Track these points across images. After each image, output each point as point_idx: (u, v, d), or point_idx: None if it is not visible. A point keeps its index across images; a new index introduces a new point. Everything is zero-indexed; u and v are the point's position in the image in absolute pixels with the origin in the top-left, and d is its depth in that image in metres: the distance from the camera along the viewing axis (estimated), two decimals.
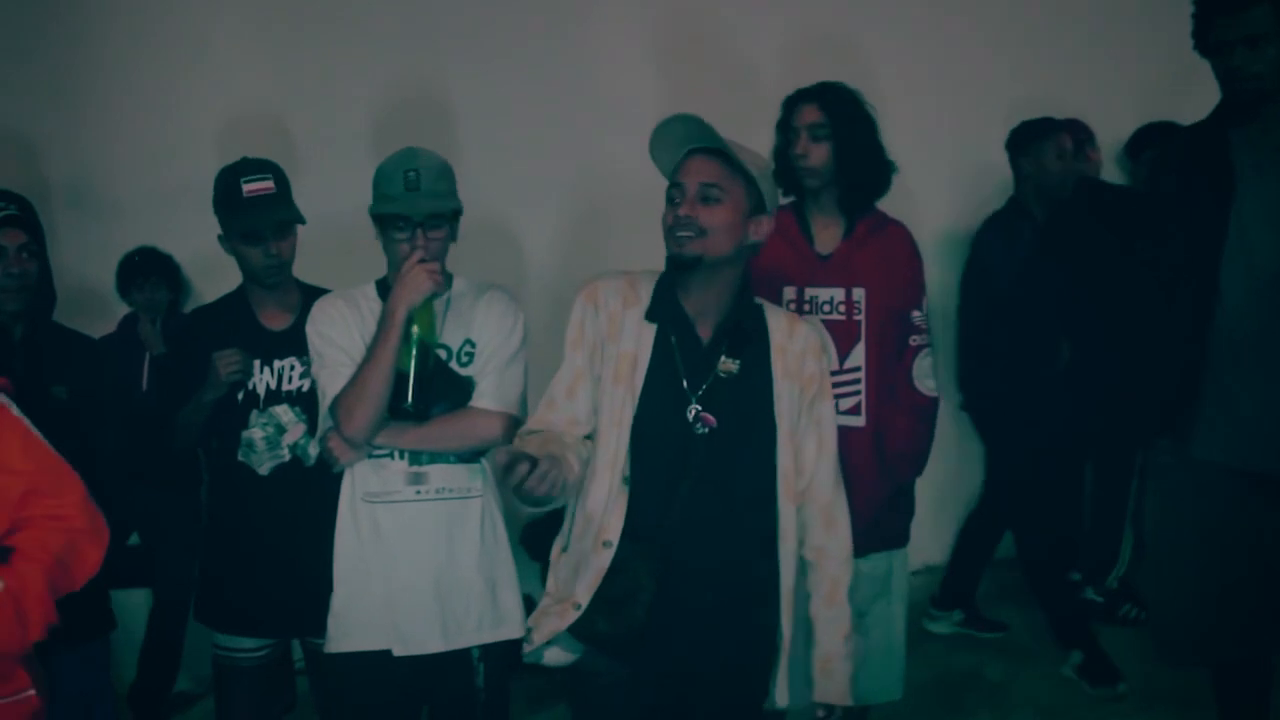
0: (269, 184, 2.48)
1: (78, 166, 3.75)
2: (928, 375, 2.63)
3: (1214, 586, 2.37)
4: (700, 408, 1.95)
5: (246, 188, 2.47)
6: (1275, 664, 2.58)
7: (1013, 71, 4.68)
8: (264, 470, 2.49)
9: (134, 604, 3.59)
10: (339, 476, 2.33)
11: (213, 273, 3.80)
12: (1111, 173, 4.69)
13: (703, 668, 1.97)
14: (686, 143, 1.98)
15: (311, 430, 2.46)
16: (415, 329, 2.11)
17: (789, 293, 2.61)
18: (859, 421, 2.56)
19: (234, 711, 2.65)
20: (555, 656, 2.04)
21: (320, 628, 2.38)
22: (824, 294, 2.59)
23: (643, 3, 4.41)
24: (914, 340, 2.60)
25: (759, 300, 2.09)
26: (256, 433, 2.49)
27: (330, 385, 2.21)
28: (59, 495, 1.87)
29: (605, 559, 1.93)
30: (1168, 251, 2.49)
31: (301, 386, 2.50)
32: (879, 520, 2.60)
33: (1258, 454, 2.31)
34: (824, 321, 2.55)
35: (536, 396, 2.15)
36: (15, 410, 1.89)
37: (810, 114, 2.57)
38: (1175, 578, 2.54)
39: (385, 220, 2.25)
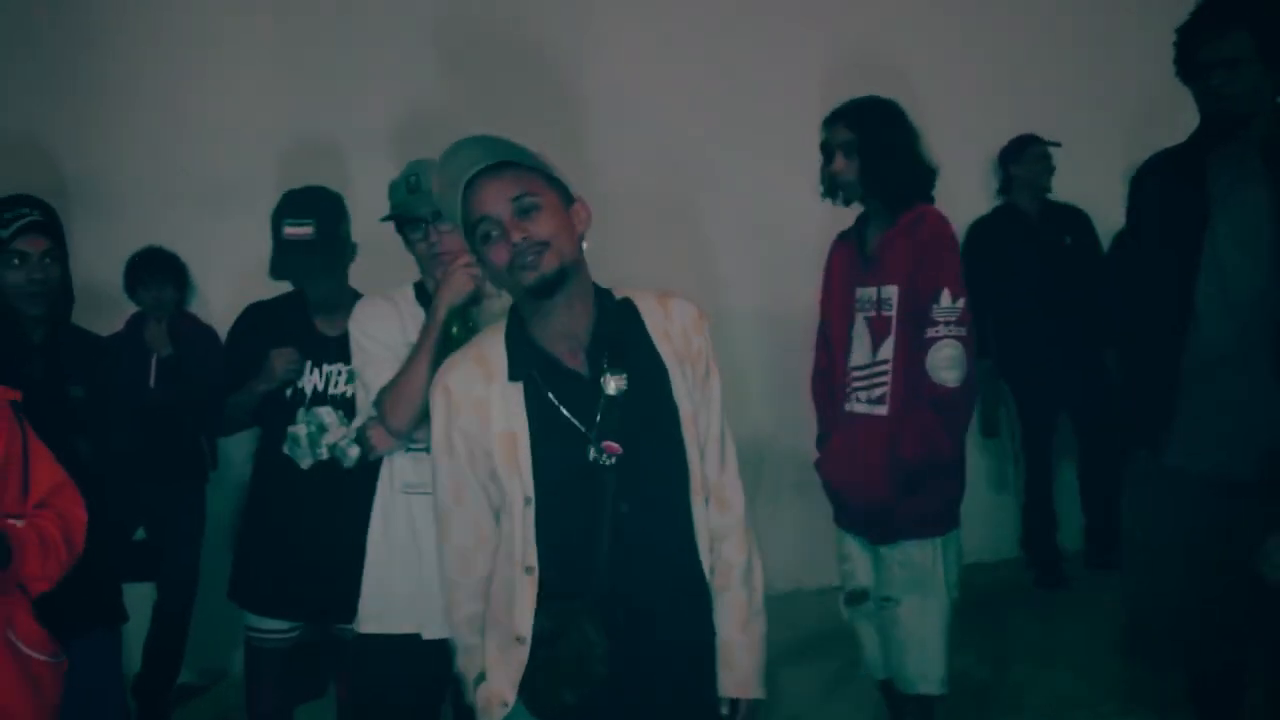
0: (307, 229, 2.60)
1: (88, 167, 3.81)
2: (945, 367, 2.67)
3: (1189, 591, 2.44)
4: (597, 446, 1.76)
5: (287, 230, 2.61)
6: (1250, 667, 2.66)
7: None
8: (305, 465, 2.64)
9: (139, 598, 3.66)
10: (374, 477, 2.45)
11: (218, 273, 3.91)
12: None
13: (678, 697, 1.86)
14: (463, 174, 1.75)
15: (354, 436, 2.59)
16: (455, 329, 2.19)
17: (845, 294, 2.87)
18: (882, 411, 2.74)
19: (262, 690, 2.78)
20: None
21: (346, 616, 2.51)
22: (864, 293, 2.81)
23: (660, 13, 4.50)
24: (930, 332, 2.68)
25: (621, 294, 1.90)
26: (301, 429, 2.64)
27: (374, 378, 2.30)
28: (72, 500, 2.12)
29: (523, 654, 1.79)
30: (1145, 272, 2.58)
31: (346, 392, 2.64)
32: (901, 508, 2.71)
33: (1227, 462, 2.38)
34: (866, 319, 2.79)
35: None
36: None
37: (840, 132, 2.80)
38: (1151, 581, 2.61)
39: (400, 225, 2.40)
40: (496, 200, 1.73)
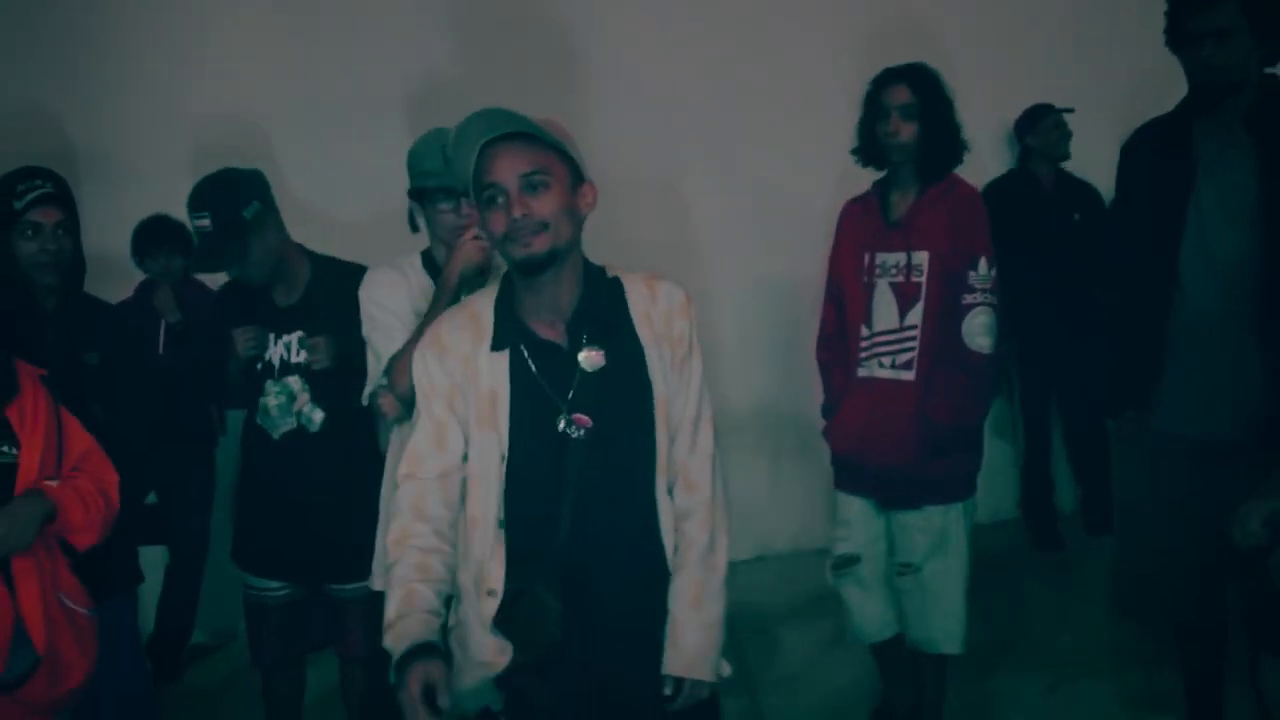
0: (205, 222, 2.57)
1: (97, 137, 3.84)
2: (980, 334, 2.75)
3: (1174, 552, 2.50)
4: (567, 417, 1.82)
5: (196, 224, 2.60)
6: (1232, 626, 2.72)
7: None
8: (276, 435, 2.70)
9: (151, 561, 3.73)
10: (344, 438, 2.64)
11: None
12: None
13: (628, 669, 1.87)
14: (481, 137, 1.77)
15: (314, 399, 2.68)
16: (464, 298, 2.25)
17: (865, 259, 2.84)
18: (909, 375, 2.77)
19: (263, 644, 2.87)
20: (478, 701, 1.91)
21: (335, 574, 2.70)
22: (890, 258, 2.81)
23: None
24: (966, 299, 2.74)
25: (613, 273, 1.93)
26: (271, 400, 2.70)
27: (384, 346, 2.37)
28: (103, 463, 2.26)
29: (491, 608, 1.82)
30: (1132, 237, 2.62)
31: (304, 359, 2.68)
32: (926, 473, 2.77)
33: (1213, 425, 2.43)
34: (891, 284, 2.80)
35: None
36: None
37: (900, 94, 2.78)
38: (1139, 542, 2.68)
39: (427, 195, 2.42)
40: (507, 169, 1.75)
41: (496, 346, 1.85)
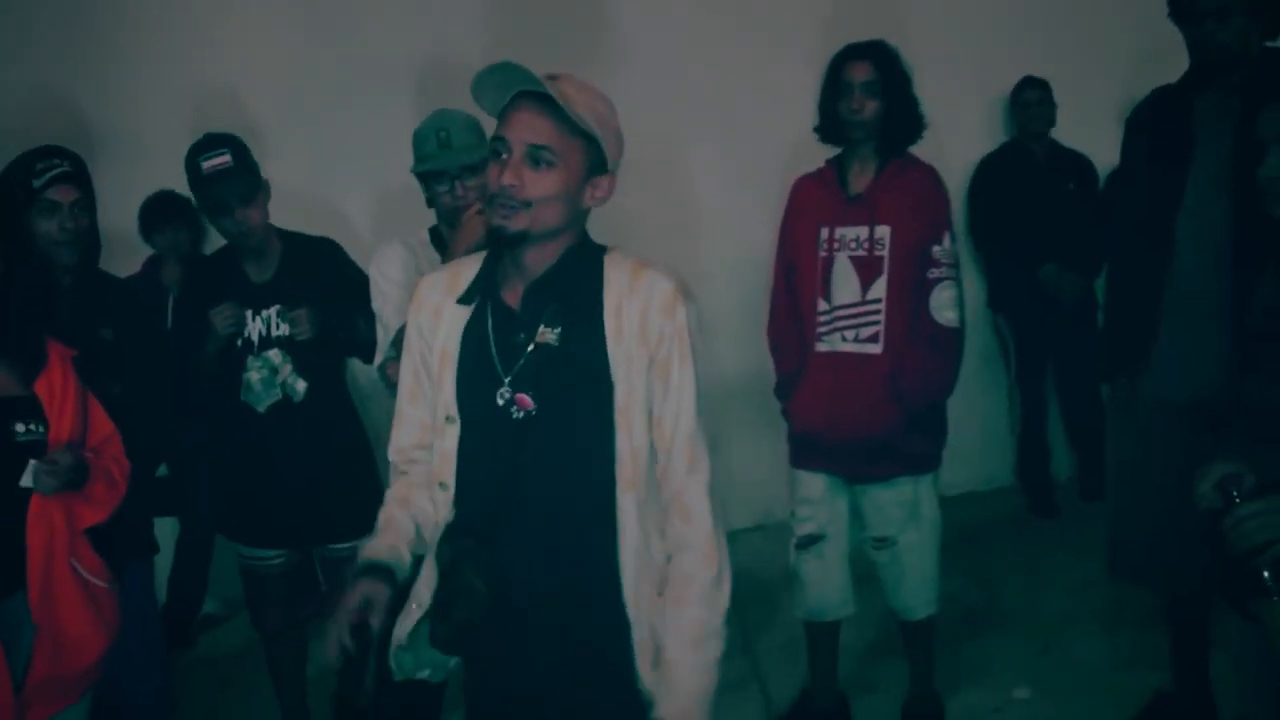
0: (225, 158, 2.66)
1: (105, 113, 3.86)
2: (946, 306, 2.78)
3: (1163, 515, 2.56)
4: (510, 391, 1.69)
5: (205, 165, 2.66)
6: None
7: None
8: (262, 408, 2.79)
9: (162, 533, 3.79)
10: (328, 407, 2.78)
11: None
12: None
13: (548, 672, 1.75)
14: (518, 84, 1.65)
15: (296, 370, 2.77)
16: None
17: (823, 233, 2.85)
18: (875, 349, 2.78)
19: (263, 611, 2.97)
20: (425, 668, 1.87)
21: (331, 534, 2.80)
22: (851, 232, 2.82)
23: None
24: (932, 274, 2.77)
25: (608, 250, 1.77)
26: (254, 375, 2.78)
27: (392, 318, 2.47)
28: (120, 451, 2.31)
29: (430, 570, 1.80)
30: (1132, 207, 2.68)
31: (284, 332, 2.76)
32: (898, 445, 2.80)
33: (1199, 391, 2.50)
34: (850, 257, 2.80)
35: None
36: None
37: (862, 71, 2.79)
38: (1131, 507, 2.75)
39: (426, 176, 2.52)
40: (519, 132, 1.64)
41: (462, 299, 1.77)
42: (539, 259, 1.71)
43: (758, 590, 3.93)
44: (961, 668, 3.39)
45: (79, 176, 2.50)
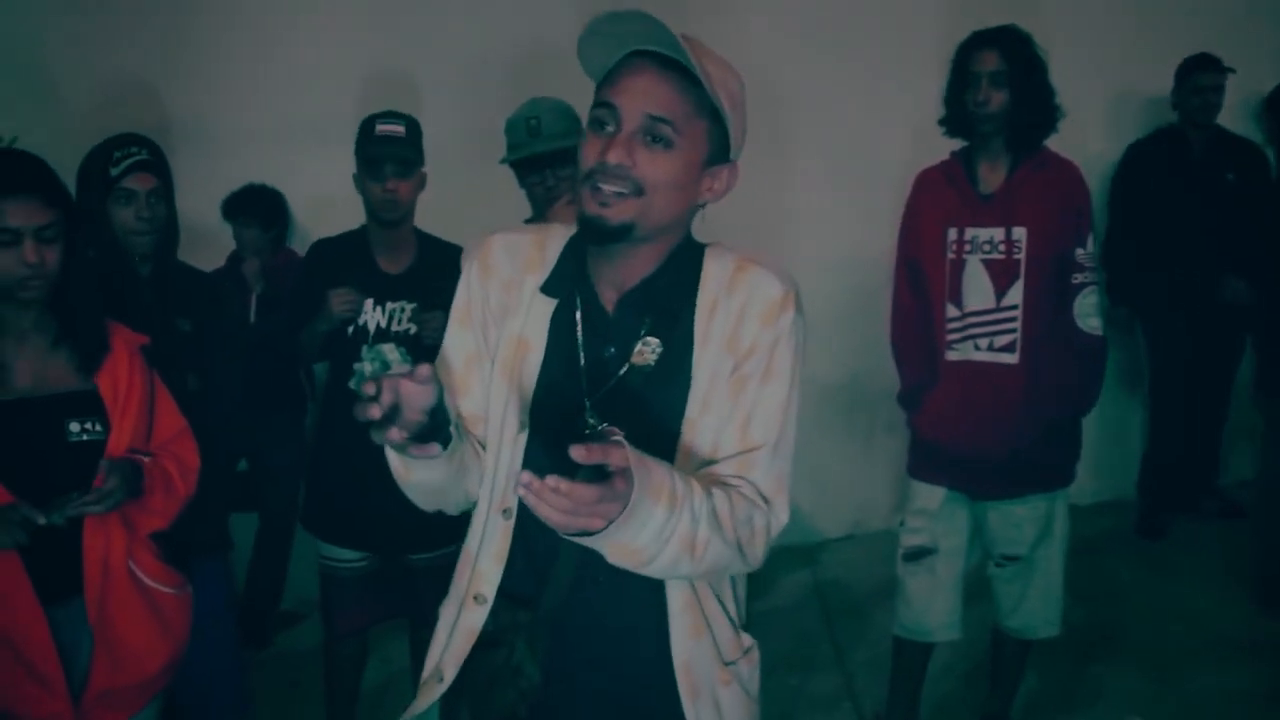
0: (399, 128, 2.66)
1: (193, 105, 3.85)
2: (1091, 314, 2.63)
3: None
4: (594, 420, 1.38)
5: (380, 127, 2.65)
6: None
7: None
8: None
9: (241, 527, 3.78)
10: None
11: (321, 209, 3.95)
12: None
13: None
14: (635, 42, 1.35)
15: None
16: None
17: (951, 234, 2.70)
18: (1011, 359, 2.63)
19: (337, 617, 2.89)
20: None
21: (414, 544, 2.69)
22: (984, 234, 2.66)
23: None
24: (1077, 278, 2.62)
25: (704, 243, 1.49)
26: (366, 366, 2.66)
27: None
28: (189, 447, 2.20)
29: (478, 619, 1.45)
30: None
31: (409, 329, 2.66)
32: (1033, 460, 2.67)
33: None
34: (984, 261, 2.65)
35: None
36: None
37: (990, 60, 2.63)
38: None
39: (518, 166, 2.44)
40: (636, 100, 1.33)
41: (548, 289, 1.45)
42: (639, 262, 1.42)
43: (849, 603, 3.80)
44: (1076, 691, 3.22)
45: (157, 164, 2.47)
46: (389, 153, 2.63)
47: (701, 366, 1.39)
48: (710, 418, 1.39)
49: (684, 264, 1.44)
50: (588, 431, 1.20)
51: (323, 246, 2.87)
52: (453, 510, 1.55)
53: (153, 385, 2.13)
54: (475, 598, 1.46)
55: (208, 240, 3.71)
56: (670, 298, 1.42)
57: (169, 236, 2.54)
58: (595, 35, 1.35)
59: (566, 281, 1.45)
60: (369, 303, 2.70)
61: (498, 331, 1.47)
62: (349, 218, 2.84)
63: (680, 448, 1.39)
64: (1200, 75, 4.27)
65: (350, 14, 4.00)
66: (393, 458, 1.43)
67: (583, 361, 1.42)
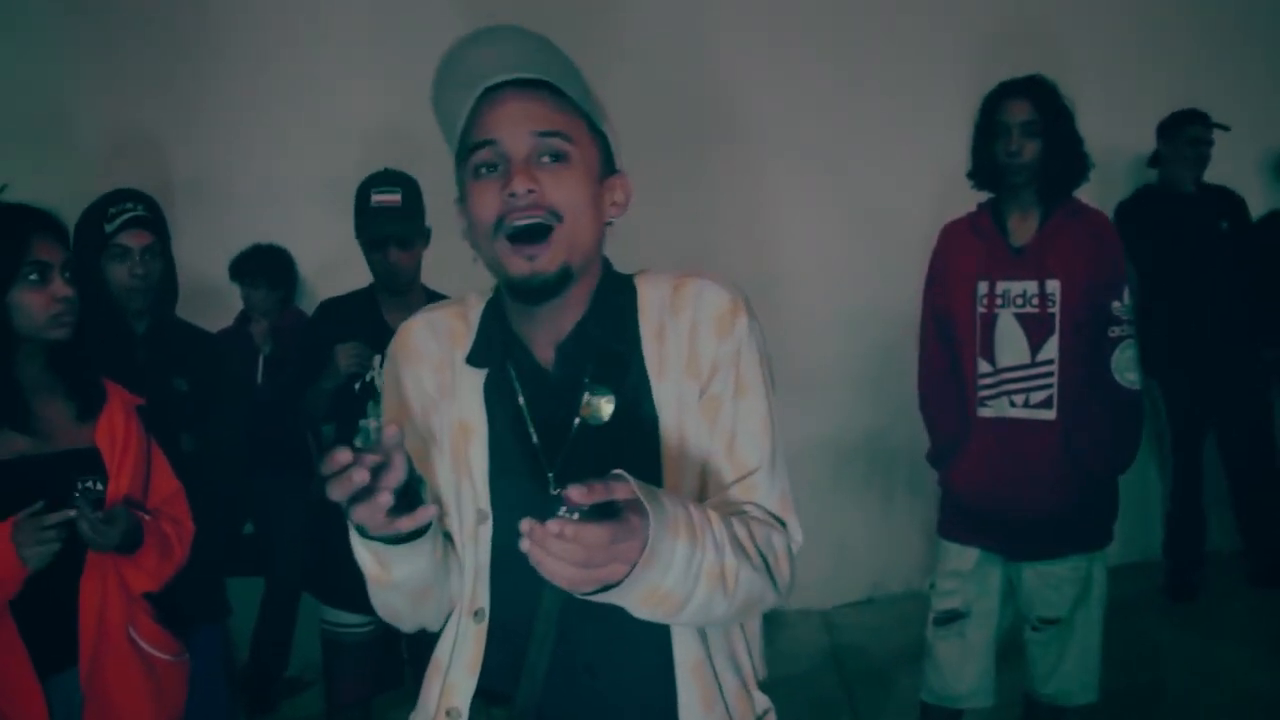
0: (395, 197, 2.62)
1: (198, 165, 3.89)
2: (1129, 368, 2.57)
3: None
4: (555, 484, 1.25)
5: (375, 197, 2.63)
6: None
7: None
8: None
9: (247, 591, 3.72)
10: None
11: (328, 269, 3.94)
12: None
13: None
14: (487, 76, 1.23)
15: None
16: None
17: (982, 287, 2.64)
18: (1049, 415, 2.56)
19: (341, 683, 2.81)
20: None
21: None
22: (1016, 287, 2.60)
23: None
24: (1114, 332, 2.56)
25: (629, 275, 1.36)
26: (371, 422, 2.61)
27: None
28: (184, 511, 2.15)
29: None
30: None
31: None
32: (1072, 520, 2.59)
33: None
34: (1017, 315, 2.58)
35: None
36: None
37: (1021, 109, 2.58)
38: None
39: None
40: (517, 125, 1.21)
41: (474, 359, 1.32)
42: (568, 306, 1.28)
43: (869, 668, 3.68)
44: None
45: (153, 221, 2.46)
46: (388, 230, 2.62)
47: (665, 400, 1.26)
48: (690, 451, 1.26)
49: (614, 295, 1.32)
50: (561, 509, 1.00)
51: (330, 306, 2.85)
52: (435, 622, 1.38)
53: (149, 445, 2.10)
54: (448, 713, 1.31)
55: (216, 299, 3.71)
56: (609, 336, 1.29)
57: (165, 293, 2.52)
58: (445, 83, 1.25)
59: (495, 348, 1.32)
60: (376, 360, 2.66)
61: (439, 418, 1.34)
62: (356, 277, 2.82)
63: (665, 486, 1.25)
64: (1191, 128, 4.26)
65: (358, 73, 4.03)
66: (368, 562, 1.29)
67: (532, 431, 1.29)
